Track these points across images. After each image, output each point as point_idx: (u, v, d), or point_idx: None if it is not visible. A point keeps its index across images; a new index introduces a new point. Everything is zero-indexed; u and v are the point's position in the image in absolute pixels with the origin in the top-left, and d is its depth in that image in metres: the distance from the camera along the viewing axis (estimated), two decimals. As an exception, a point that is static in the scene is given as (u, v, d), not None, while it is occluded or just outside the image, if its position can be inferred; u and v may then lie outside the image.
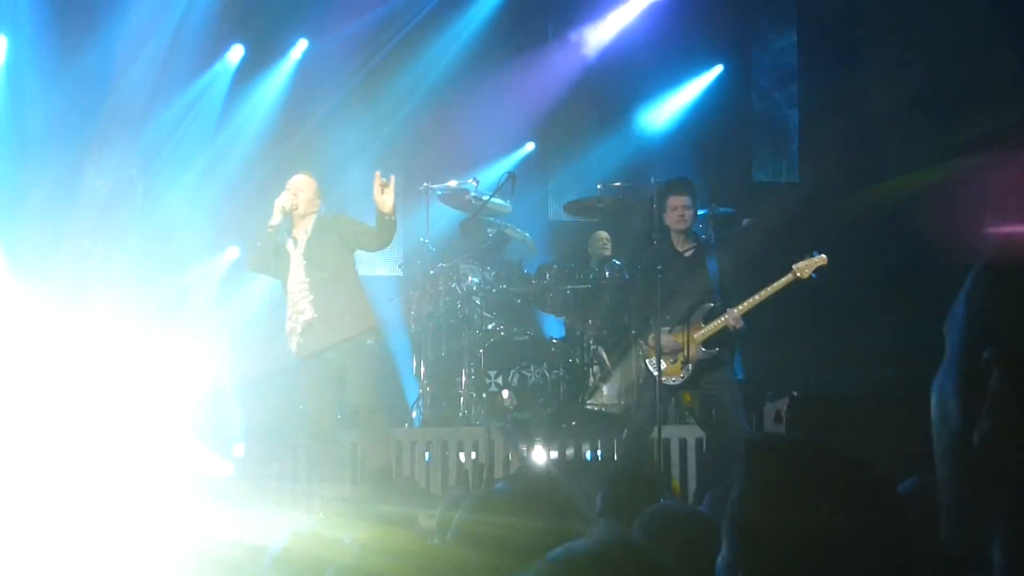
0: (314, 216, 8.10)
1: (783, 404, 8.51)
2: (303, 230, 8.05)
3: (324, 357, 7.88)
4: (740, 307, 8.15)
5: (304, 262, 7.96)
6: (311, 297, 7.86)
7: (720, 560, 2.14)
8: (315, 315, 7.83)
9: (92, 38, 11.45)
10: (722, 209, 10.01)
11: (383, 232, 7.86)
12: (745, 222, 8.87)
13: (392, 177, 7.82)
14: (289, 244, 8.05)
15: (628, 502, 4.42)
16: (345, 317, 7.87)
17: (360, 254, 8.38)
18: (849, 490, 2.09)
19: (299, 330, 7.87)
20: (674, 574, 2.01)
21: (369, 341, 7.93)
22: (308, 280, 7.90)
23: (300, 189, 8.07)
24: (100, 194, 11.22)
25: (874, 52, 11.86)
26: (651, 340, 8.26)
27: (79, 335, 9.52)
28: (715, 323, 8.19)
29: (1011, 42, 11.11)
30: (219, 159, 11.74)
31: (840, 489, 2.08)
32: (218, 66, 12.07)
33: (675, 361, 8.21)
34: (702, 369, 8.22)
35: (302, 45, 12.26)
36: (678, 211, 8.30)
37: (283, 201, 7.95)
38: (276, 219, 7.92)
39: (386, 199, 7.73)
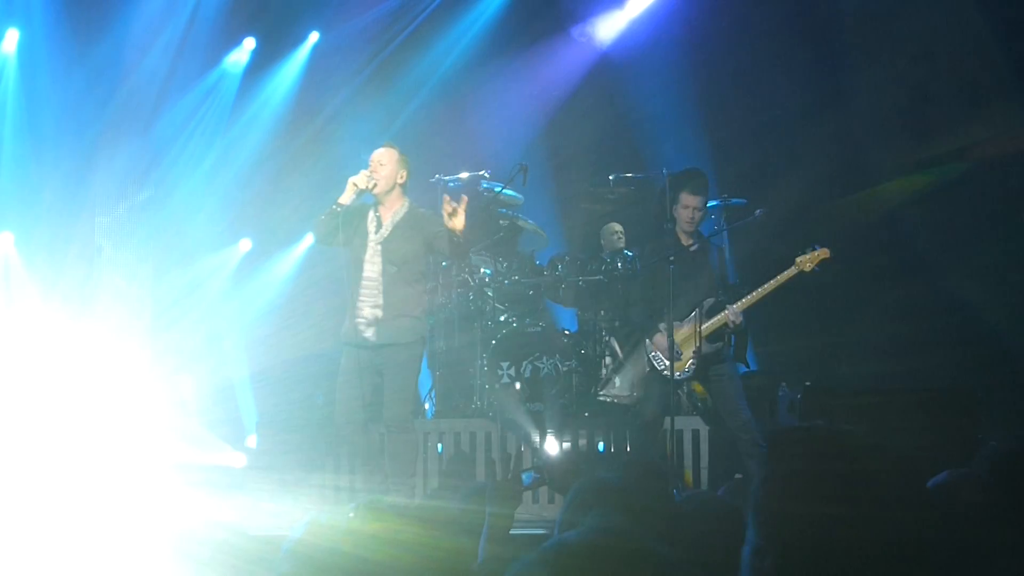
0: (404, 200, 7.78)
1: (796, 395, 8.51)
2: (390, 214, 7.73)
3: (368, 351, 7.64)
4: (740, 303, 8.18)
5: (381, 250, 7.67)
6: (377, 292, 7.62)
7: (746, 547, 2.17)
8: (374, 313, 7.59)
9: (104, 30, 11.46)
10: (735, 200, 10.00)
11: (455, 251, 7.64)
12: (758, 212, 8.86)
13: (464, 199, 7.49)
14: (371, 223, 7.75)
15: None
16: (399, 322, 7.61)
17: None
18: (869, 476, 2.11)
19: (358, 318, 7.63)
20: (663, 561, 2.02)
21: (416, 343, 7.70)
22: (381, 272, 7.64)
23: (380, 163, 7.71)
24: (112, 187, 11.25)
25: (868, 50, 11.83)
26: (657, 335, 8.29)
27: (90, 328, 9.55)
28: (716, 318, 8.21)
29: (1004, 46, 11.10)
30: (231, 151, 11.76)
31: (859, 475, 2.10)
32: (230, 58, 12.09)
33: (680, 356, 8.23)
34: (706, 363, 8.24)
35: (314, 37, 12.27)
36: (689, 211, 8.34)
37: (357, 178, 7.61)
38: (347, 198, 7.60)
39: (456, 222, 7.39)
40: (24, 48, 11.22)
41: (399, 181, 7.72)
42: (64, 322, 9.60)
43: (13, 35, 11.22)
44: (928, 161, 11.63)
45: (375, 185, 7.61)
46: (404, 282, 7.65)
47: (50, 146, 11.03)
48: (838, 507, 2.05)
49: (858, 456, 2.13)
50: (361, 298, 7.66)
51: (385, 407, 7.67)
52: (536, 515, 8.20)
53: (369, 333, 7.61)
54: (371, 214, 7.76)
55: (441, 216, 7.67)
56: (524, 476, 8.53)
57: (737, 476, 8.16)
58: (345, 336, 7.73)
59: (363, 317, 7.64)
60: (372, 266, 7.67)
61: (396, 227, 7.68)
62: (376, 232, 7.70)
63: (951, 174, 11.46)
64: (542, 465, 8.75)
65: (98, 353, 9.20)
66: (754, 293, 8.20)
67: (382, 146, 7.80)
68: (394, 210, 7.70)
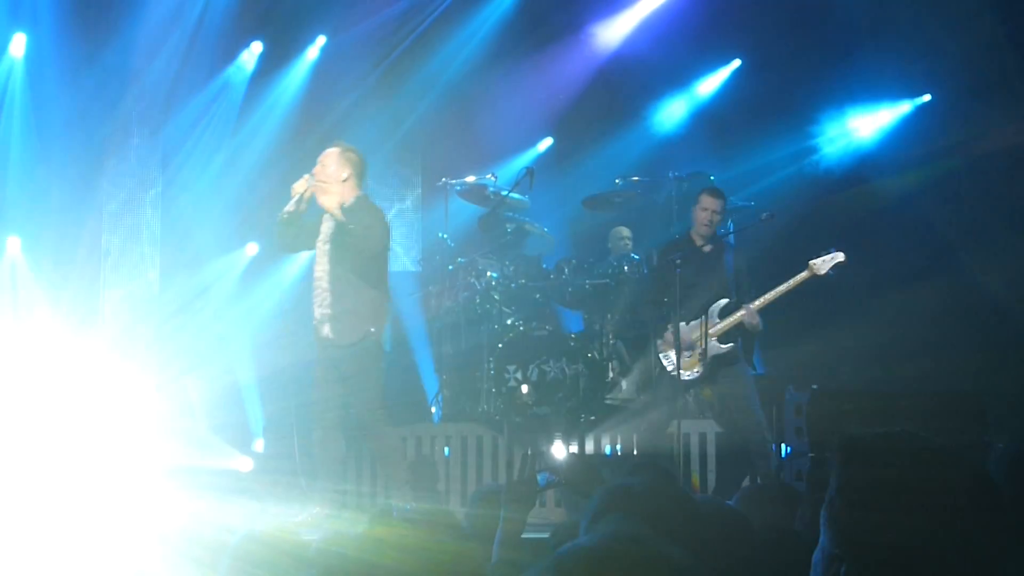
0: (353, 197, 7.59)
1: (803, 397, 8.49)
2: (338, 211, 7.58)
3: (330, 354, 7.65)
4: (756, 303, 8.17)
5: (328, 248, 7.67)
6: (327, 290, 7.60)
7: (818, 553, 2.17)
8: (329, 311, 7.58)
9: (112, 35, 11.49)
10: (741, 203, 10.01)
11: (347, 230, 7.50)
12: (764, 215, 8.87)
13: (304, 177, 7.58)
14: (324, 224, 7.74)
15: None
16: (350, 320, 7.56)
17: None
18: (946, 484, 2.10)
19: (319, 319, 7.65)
20: (681, 566, 2.01)
21: (368, 344, 7.57)
22: (328, 270, 7.63)
23: (322, 164, 7.66)
24: (120, 191, 11.26)
25: (883, 45, 11.80)
26: (667, 335, 8.30)
27: (98, 332, 9.56)
28: (731, 318, 8.21)
29: (1012, 39, 11.07)
30: (238, 155, 11.76)
31: (936, 484, 2.10)
32: (237, 62, 12.10)
33: (691, 356, 8.22)
34: (718, 364, 8.24)
35: (320, 41, 12.28)
36: (708, 213, 8.36)
37: (297, 184, 7.62)
38: (290, 206, 7.60)
39: (325, 202, 7.47)
40: (32, 52, 11.23)
41: (342, 178, 7.61)
42: (71, 326, 9.60)
43: (21, 39, 11.23)
44: (935, 154, 11.58)
45: (311, 188, 7.57)
46: (351, 278, 7.58)
47: (58, 150, 11.05)
48: (916, 516, 2.05)
49: (935, 464, 2.13)
50: (313, 300, 7.70)
51: (353, 409, 7.67)
52: (544, 519, 8.18)
53: (324, 332, 7.62)
54: (325, 215, 7.72)
55: (379, 211, 7.70)
56: (539, 477, 8.51)
57: (745, 483, 8.15)
58: (317, 338, 7.74)
59: (316, 319, 7.67)
60: (319, 267, 7.68)
61: (340, 224, 7.55)
62: (325, 232, 7.69)
63: (957, 167, 11.41)
64: (558, 466, 8.73)
65: (105, 357, 9.20)
66: (767, 295, 8.20)
67: (333, 145, 7.79)
68: (340, 210, 7.54)
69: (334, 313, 7.59)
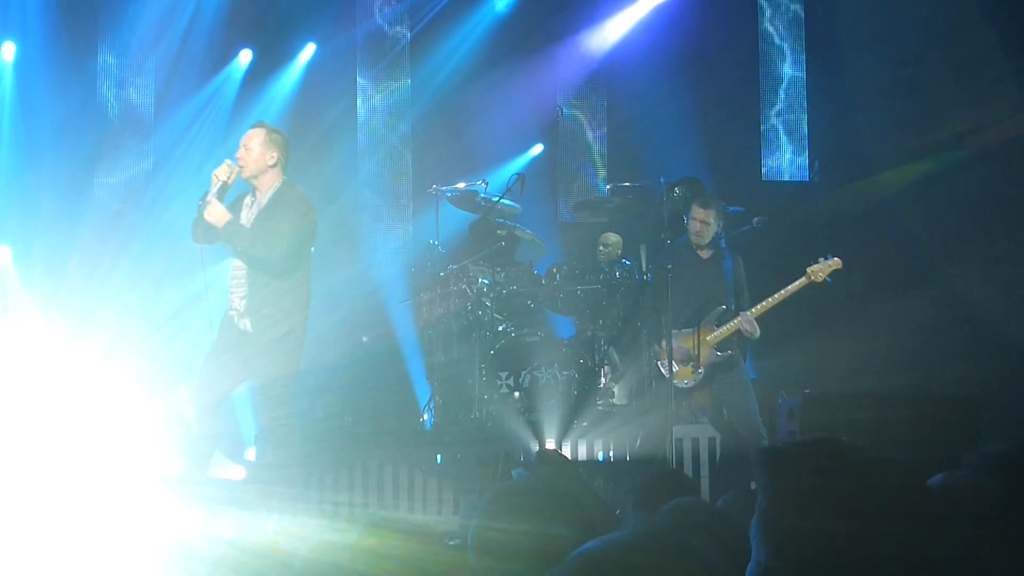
0: (277, 182, 7.17)
1: (796, 402, 8.49)
2: (259, 198, 7.15)
3: (238, 340, 7.18)
4: (754, 310, 8.18)
5: None
6: (245, 283, 7.14)
7: (752, 567, 2.15)
8: (242, 307, 7.11)
9: (100, 43, 11.49)
10: (732, 208, 10.00)
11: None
12: (756, 220, 8.87)
13: (226, 162, 7.13)
14: (244, 210, 7.22)
15: (661, 496, 4.39)
16: (271, 313, 7.09)
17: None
18: (875, 489, 2.10)
19: (230, 310, 7.21)
20: (713, 565, 2.01)
21: (289, 342, 7.14)
22: (246, 264, 7.14)
23: (245, 146, 7.17)
24: (111, 199, 11.23)
25: (871, 47, 11.83)
26: (663, 342, 8.29)
27: (89, 342, 9.53)
28: (728, 326, 8.21)
29: (1000, 37, 11.08)
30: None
31: (865, 489, 2.10)
32: (227, 70, 12.09)
33: (687, 364, 8.21)
34: (714, 371, 8.24)
35: (310, 49, 12.27)
36: (697, 223, 8.38)
37: (219, 170, 7.10)
38: (212, 193, 7.08)
39: (209, 214, 7.02)
40: (21, 61, 11.22)
41: (269, 163, 7.15)
42: (63, 335, 9.58)
43: (10, 48, 11.22)
44: (927, 148, 11.57)
45: (238, 173, 7.11)
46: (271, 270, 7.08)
47: (48, 159, 11.03)
48: (847, 523, 2.04)
49: (863, 470, 2.12)
50: (231, 290, 7.25)
51: (257, 414, 7.33)
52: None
53: (242, 326, 7.16)
54: (247, 199, 7.27)
55: (304, 201, 7.21)
56: (514, 473, 8.50)
57: (751, 487, 8.13)
58: (221, 323, 7.31)
59: (234, 309, 7.20)
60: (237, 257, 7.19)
61: (262, 211, 7.10)
62: (245, 221, 7.16)
63: (951, 162, 11.40)
64: (531, 461, 8.71)
65: (97, 366, 9.17)
66: (765, 302, 8.22)
67: (251, 127, 7.34)
68: (261, 198, 7.14)
69: (252, 305, 7.11)
